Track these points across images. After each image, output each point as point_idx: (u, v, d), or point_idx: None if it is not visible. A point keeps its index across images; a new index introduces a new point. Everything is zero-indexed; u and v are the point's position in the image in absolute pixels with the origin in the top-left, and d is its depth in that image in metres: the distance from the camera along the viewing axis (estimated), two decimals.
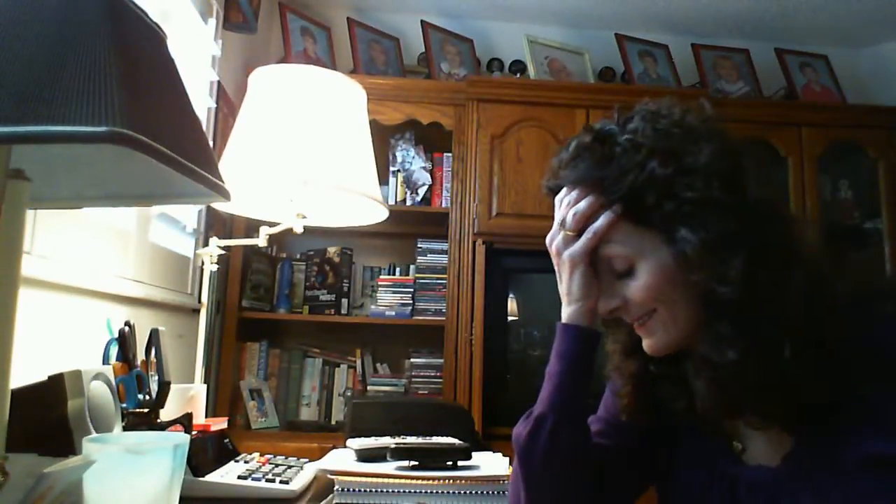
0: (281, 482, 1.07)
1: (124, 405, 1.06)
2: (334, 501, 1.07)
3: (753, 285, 0.71)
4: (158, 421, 1.10)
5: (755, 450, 0.81)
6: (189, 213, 2.13)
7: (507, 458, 1.25)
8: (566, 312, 0.86)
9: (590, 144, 0.81)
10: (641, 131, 0.78)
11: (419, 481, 1.11)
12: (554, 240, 0.86)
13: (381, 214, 1.72)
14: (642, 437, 0.91)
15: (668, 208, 0.74)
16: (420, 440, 1.34)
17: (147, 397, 1.11)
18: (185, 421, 1.11)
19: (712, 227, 0.72)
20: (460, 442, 1.31)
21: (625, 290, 0.79)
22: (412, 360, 2.78)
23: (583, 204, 0.81)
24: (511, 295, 2.65)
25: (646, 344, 0.81)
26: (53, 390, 0.87)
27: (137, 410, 1.08)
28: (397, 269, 2.89)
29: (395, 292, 2.79)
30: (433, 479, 1.11)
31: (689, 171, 0.74)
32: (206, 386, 1.58)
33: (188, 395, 1.41)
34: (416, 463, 1.16)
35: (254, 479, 1.07)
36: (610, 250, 0.80)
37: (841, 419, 0.71)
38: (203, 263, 1.76)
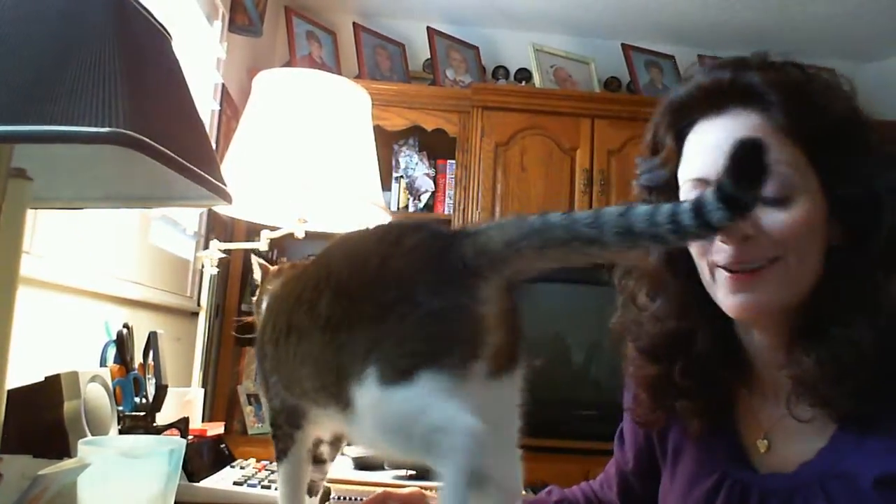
0: (277, 489, 1.06)
1: (121, 408, 1.06)
2: None
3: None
4: (155, 425, 1.10)
5: (785, 450, 0.78)
6: (190, 216, 2.12)
7: None
8: None
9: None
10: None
11: None
12: None
13: (383, 220, 1.71)
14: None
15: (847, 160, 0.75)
16: None
17: (144, 401, 1.10)
18: (182, 425, 1.10)
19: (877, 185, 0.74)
20: None
21: (767, 217, 0.72)
22: None
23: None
24: None
25: (741, 301, 0.74)
26: (50, 392, 0.86)
27: (134, 414, 1.07)
28: None
29: None
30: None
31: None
32: (203, 390, 1.57)
33: (185, 399, 1.40)
34: (414, 472, 1.15)
35: (249, 486, 1.06)
36: (780, 168, 0.72)
37: (877, 433, 0.70)
38: (203, 266, 1.76)
